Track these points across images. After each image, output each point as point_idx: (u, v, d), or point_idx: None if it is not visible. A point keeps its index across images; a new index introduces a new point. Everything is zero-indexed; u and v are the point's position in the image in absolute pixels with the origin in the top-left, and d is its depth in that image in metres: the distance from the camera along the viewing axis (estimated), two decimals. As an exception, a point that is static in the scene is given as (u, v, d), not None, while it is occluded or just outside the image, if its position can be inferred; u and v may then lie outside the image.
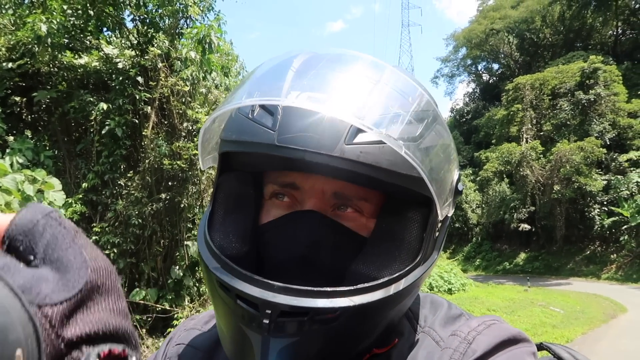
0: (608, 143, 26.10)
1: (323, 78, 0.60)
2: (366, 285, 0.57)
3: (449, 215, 0.70)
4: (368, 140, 0.56)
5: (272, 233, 0.66)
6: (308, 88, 0.57)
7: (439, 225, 0.68)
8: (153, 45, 8.00)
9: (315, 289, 0.55)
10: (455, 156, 0.70)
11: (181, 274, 7.76)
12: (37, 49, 7.26)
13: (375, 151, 0.56)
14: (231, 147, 0.65)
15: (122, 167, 8.12)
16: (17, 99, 7.72)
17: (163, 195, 7.71)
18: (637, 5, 36.75)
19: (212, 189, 0.73)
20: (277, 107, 0.59)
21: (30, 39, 7.21)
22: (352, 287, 0.56)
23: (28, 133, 7.69)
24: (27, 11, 7.59)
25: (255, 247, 0.66)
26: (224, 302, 0.59)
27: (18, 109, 7.93)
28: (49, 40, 7.13)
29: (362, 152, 0.55)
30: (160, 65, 7.83)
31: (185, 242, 7.84)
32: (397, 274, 0.60)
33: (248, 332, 0.56)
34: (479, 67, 57.67)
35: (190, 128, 8.16)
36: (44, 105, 8.13)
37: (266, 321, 0.53)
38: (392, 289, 0.58)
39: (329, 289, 0.55)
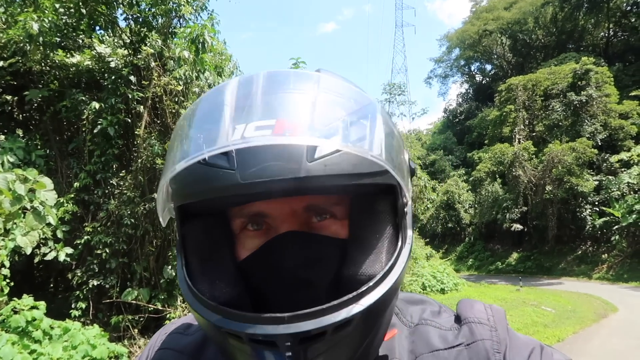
0: (599, 144, 26.31)
1: (262, 104, 0.59)
2: (369, 285, 0.58)
3: (410, 194, 0.71)
4: (328, 152, 0.55)
5: (257, 265, 0.65)
6: (251, 118, 0.56)
7: (407, 206, 0.69)
8: (146, 45, 7.97)
9: (324, 306, 0.54)
10: (401, 137, 0.71)
11: (173, 274, 7.73)
12: (28, 47, 7.21)
13: (337, 160, 0.56)
14: (191, 199, 0.61)
15: (114, 166, 8.08)
16: (9, 97, 7.66)
17: (155, 195, 7.67)
18: (629, 8, 37.05)
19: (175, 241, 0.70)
20: (228, 145, 0.56)
21: (21, 38, 7.15)
22: (357, 292, 0.57)
23: (19, 132, 7.64)
24: (19, 9, 7.54)
25: (244, 284, 0.65)
26: (238, 349, 0.58)
27: (9, 108, 7.87)
28: (41, 38, 7.08)
29: (326, 165, 0.55)
30: (153, 64, 7.79)
31: (178, 242, 7.81)
32: (390, 264, 0.61)
33: None
34: (472, 68, 58.01)
35: (183, 127, 8.13)
36: (35, 104, 8.07)
37: (288, 354, 0.53)
38: (391, 280, 0.60)
39: (336, 301, 0.55)
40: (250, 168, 0.54)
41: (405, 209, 0.68)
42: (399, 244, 0.64)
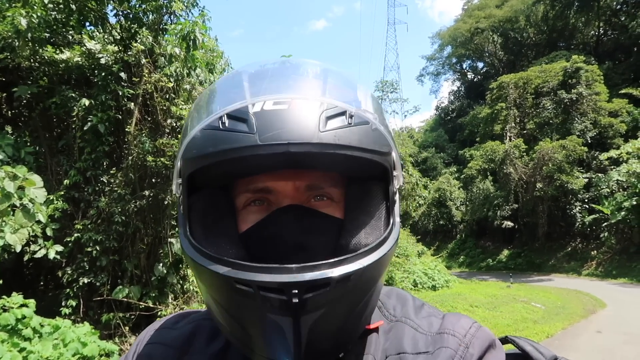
0: (589, 142, 26.56)
1: (279, 82, 0.67)
2: (366, 249, 0.63)
3: (401, 185, 0.77)
4: (338, 125, 0.62)
5: (259, 234, 0.69)
6: (268, 92, 0.64)
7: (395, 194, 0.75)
8: (136, 41, 7.91)
9: (329, 261, 0.59)
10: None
11: (165, 272, 7.71)
12: (17, 43, 7.13)
13: (346, 133, 0.62)
14: (208, 160, 0.63)
15: (104, 163, 8.02)
16: (-3, 94, 7.59)
17: (147, 192, 7.64)
18: (619, 6, 37.34)
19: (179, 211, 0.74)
20: (248, 114, 0.61)
21: (10, 33, 7.07)
22: (356, 253, 0.62)
23: (8, 129, 7.55)
24: (7, 4, 7.43)
25: (246, 251, 0.68)
26: (245, 299, 0.60)
27: (-2, 105, 7.79)
28: (30, 34, 7.00)
29: (336, 136, 0.61)
30: (143, 61, 7.75)
31: (169, 240, 7.78)
32: (382, 237, 0.66)
33: (277, 318, 0.58)
34: (464, 66, 58.23)
35: (174, 125, 8.10)
36: (24, 101, 7.99)
37: (295, 300, 0.56)
38: (385, 249, 0.65)
39: (339, 258, 0.60)
40: (268, 132, 0.60)
41: (395, 197, 0.73)
42: (391, 223, 0.70)
